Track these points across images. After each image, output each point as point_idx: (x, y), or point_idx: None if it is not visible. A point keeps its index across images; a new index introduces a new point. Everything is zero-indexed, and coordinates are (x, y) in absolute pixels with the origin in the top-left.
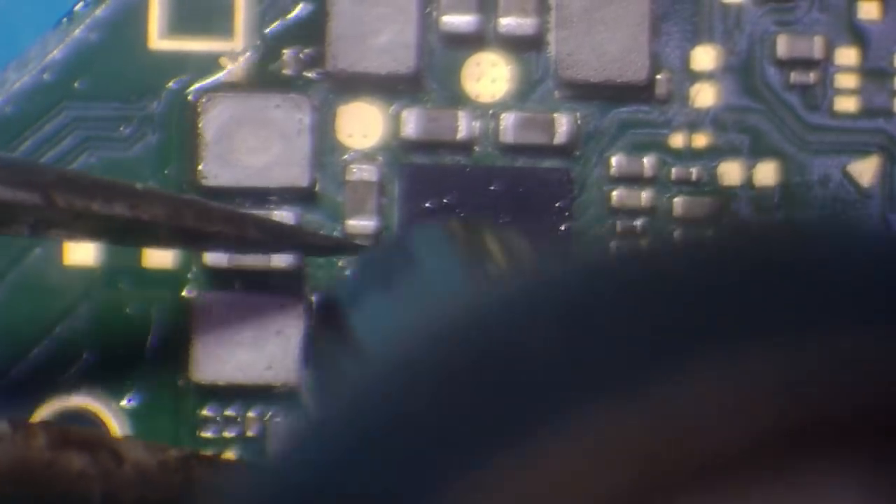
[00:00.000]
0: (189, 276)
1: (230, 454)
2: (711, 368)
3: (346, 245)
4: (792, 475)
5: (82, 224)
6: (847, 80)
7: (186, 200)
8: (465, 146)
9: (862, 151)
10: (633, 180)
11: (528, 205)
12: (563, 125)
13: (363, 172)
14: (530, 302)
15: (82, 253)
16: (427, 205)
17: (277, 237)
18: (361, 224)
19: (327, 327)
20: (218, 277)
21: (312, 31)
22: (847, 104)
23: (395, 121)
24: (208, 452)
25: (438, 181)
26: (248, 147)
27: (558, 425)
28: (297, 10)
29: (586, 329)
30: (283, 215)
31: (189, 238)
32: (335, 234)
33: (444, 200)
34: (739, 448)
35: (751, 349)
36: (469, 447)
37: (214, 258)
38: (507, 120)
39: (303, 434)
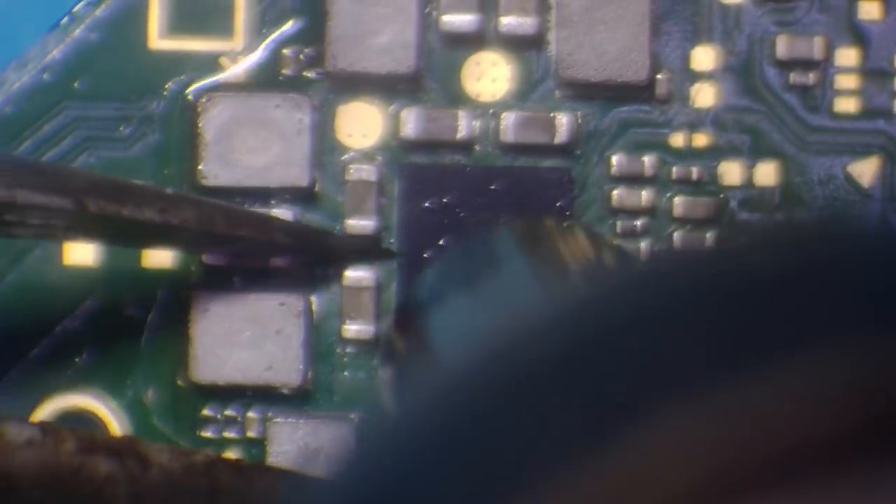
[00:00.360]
0: (188, 276)
1: (245, 457)
2: (790, 366)
3: (374, 249)
4: (872, 474)
5: (112, 228)
6: (847, 81)
7: (216, 205)
8: (466, 146)
9: (862, 152)
10: (633, 180)
11: (529, 205)
12: (563, 125)
13: (363, 172)
14: (610, 303)
15: (82, 253)
16: (427, 204)
17: (305, 241)
18: (361, 224)
19: (406, 328)
20: (217, 277)
21: (312, 31)
22: (847, 105)
23: (395, 120)
24: (234, 457)
25: (438, 181)
26: (247, 147)
27: (639, 425)
28: (297, 10)
29: (666, 329)
30: (283, 213)
31: (217, 242)
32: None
33: (444, 200)
34: (818, 446)
35: (829, 347)
36: (550, 448)
37: (214, 259)
38: (508, 119)
39: (381, 436)
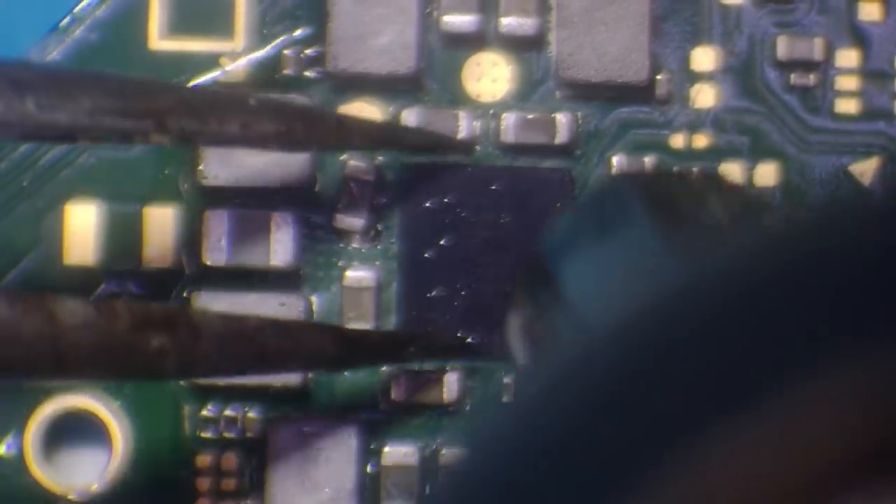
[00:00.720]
0: (189, 276)
1: (230, 457)
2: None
3: (451, 143)
4: None
5: (196, 140)
6: (848, 82)
7: (297, 112)
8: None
9: (863, 153)
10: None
11: (530, 204)
12: (563, 125)
13: (360, 171)
14: (764, 259)
15: (82, 253)
16: (428, 204)
17: (381, 140)
18: (350, 220)
19: (536, 282)
20: (217, 277)
21: (313, 31)
22: (848, 106)
23: (395, 120)
24: (284, 319)
25: (439, 180)
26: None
27: (804, 384)
28: (298, 11)
29: (821, 289)
30: (283, 214)
31: (296, 145)
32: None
33: (445, 200)
34: None
35: None
36: (707, 407)
37: (214, 258)
38: (508, 120)
39: (531, 391)
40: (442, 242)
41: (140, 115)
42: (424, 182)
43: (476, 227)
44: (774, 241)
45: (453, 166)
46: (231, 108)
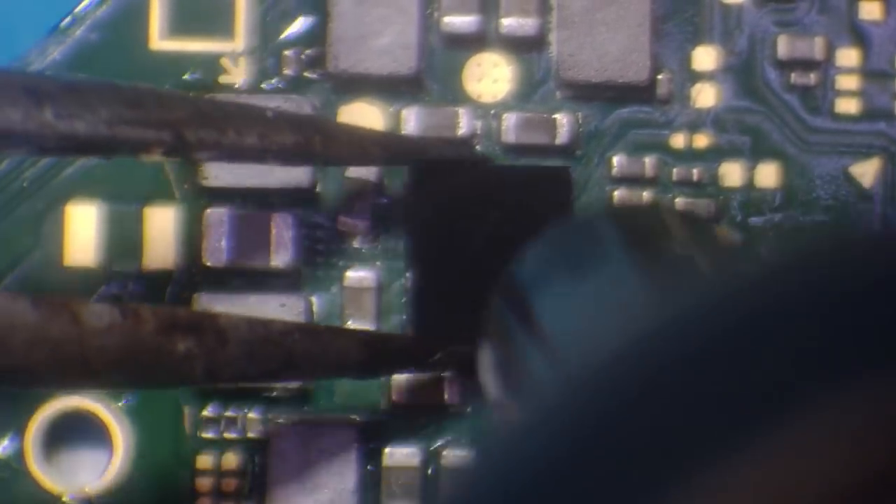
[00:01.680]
0: (189, 277)
1: (233, 457)
2: None
3: (470, 156)
4: None
5: (214, 153)
6: (848, 82)
7: (315, 125)
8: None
9: (863, 153)
10: (634, 181)
11: (531, 204)
12: (564, 125)
13: (362, 172)
14: (746, 298)
15: (82, 253)
16: (430, 203)
17: (400, 154)
18: (353, 221)
19: (510, 317)
20: (218, 278)
21: (314, 32)
22: (848, 106)
23: (396, 120)
24: (310, 324)
25: (441, 180)
26: None
27: (786, 419)
28: (299, 11)
29: (804, 324)
30: (284, 215)
31: (315, 158)
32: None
33: (448, 199)
34: None
35: None
36: (687, 446)
37: (214, 259)
38: (509, 120)
39: (502, 445)
40: (449, 244)
41: (158, 126)
42: (427, 181)
43: (479, 224)
44: (752, 277)
45: (455, 164)
46: (249, 120)
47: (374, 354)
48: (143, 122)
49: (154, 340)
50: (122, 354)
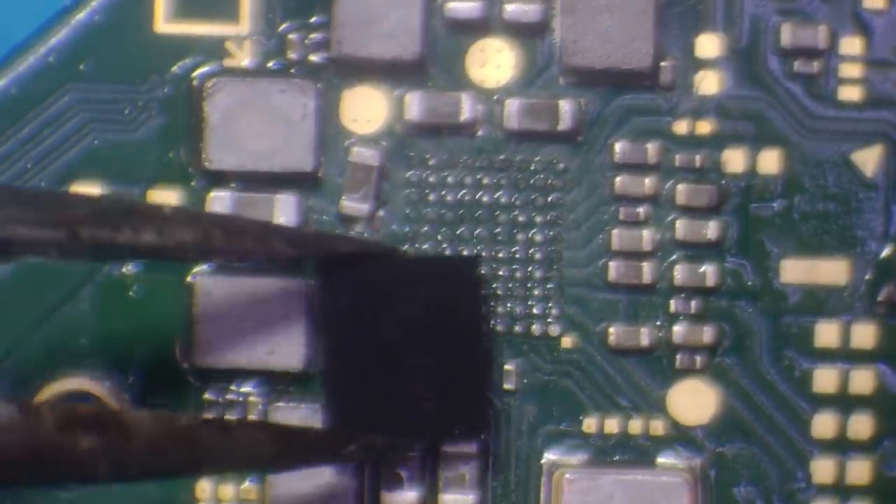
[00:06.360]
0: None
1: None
2: None
3: (378, 250)
4: None
5: (109, 252)
6: (851, 70)
7: (215, 220)
8: (469, 129)
9: (866, 140)
10: (636, 167)
11: (439, 296)
12: (567, 111)
13: (366, 156)
14: None
15: None
16: (346, 300)
17: (306, 248)
18: (356, 206)
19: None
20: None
21: (318, 16)
22: (851, 93)
23: (399, 105)
24: (219, 418)
25: (354, 277)
26: (252, 131)
27: None
28: None
29: None
30: (287, 197)
31: (217, 255)
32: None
33: (356, 292)
34: None
35: None
36: None
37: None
38: (512, 106)
39: None
40: (361, 336)
41: (52, 225)
42: (341, 278)
43: (390, 316)
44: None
45: (368, 262)
46: (146, 217)
47: (287, 448)
48: (38, 222)
49: (55, 438)
50: (22, 452)
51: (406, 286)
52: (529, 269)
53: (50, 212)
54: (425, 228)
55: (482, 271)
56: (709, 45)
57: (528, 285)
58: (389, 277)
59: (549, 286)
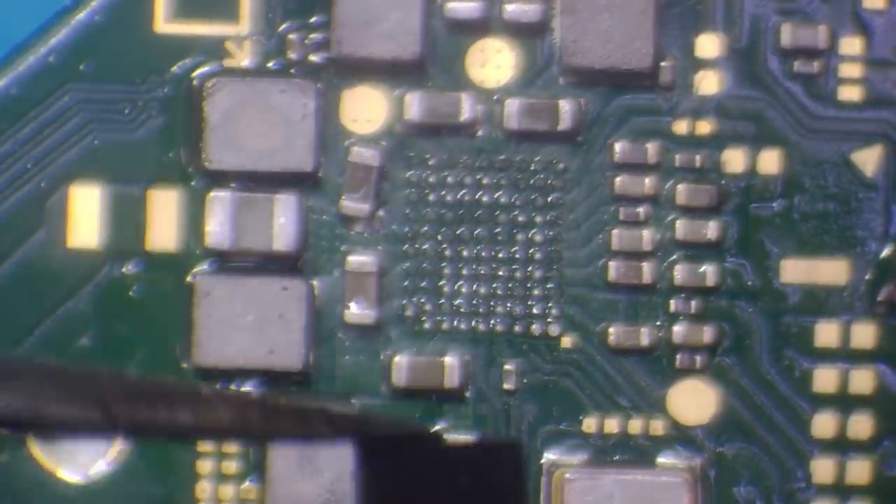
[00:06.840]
0: (192, 259)
1: None
2: None
3: (417, 430)
4: None
5: (145, 431)
6: (851, 70)
7: (253, 401)
8: (469, 129)
9: (866, 141)
10: (636, 167)
11: (480, 481)
12: (567, 111)
13: (365, 156)
14: None
15: (86, 236)
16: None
17: (345, 429)
18: (356, 206)
19: None
20: (220, 260)
21: (318, 16)
22: (851, 93)
23: (399, 105)
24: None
25: (398, 455)
26: (252, 131)
27: None
28: None
29: None
30: (287, 197)
31: (253, 435)
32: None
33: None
34: None
35: None
36: None
37: (217, 241)
38: (512, 106)
39: None
40: None
41: (85, 403)
42: (378, 457)
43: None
44: None
45: (405, 440)
46: (182, 397)
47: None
48: (73, 401)
49: None
50: None
51: (449, 473)
52: (529, 269)
53: (85, 389)
54: (425, 228)
55: (524, 456)
56: (709, 45)
57: (528, 285)
58: (432, 463)
59: (548, 286)
